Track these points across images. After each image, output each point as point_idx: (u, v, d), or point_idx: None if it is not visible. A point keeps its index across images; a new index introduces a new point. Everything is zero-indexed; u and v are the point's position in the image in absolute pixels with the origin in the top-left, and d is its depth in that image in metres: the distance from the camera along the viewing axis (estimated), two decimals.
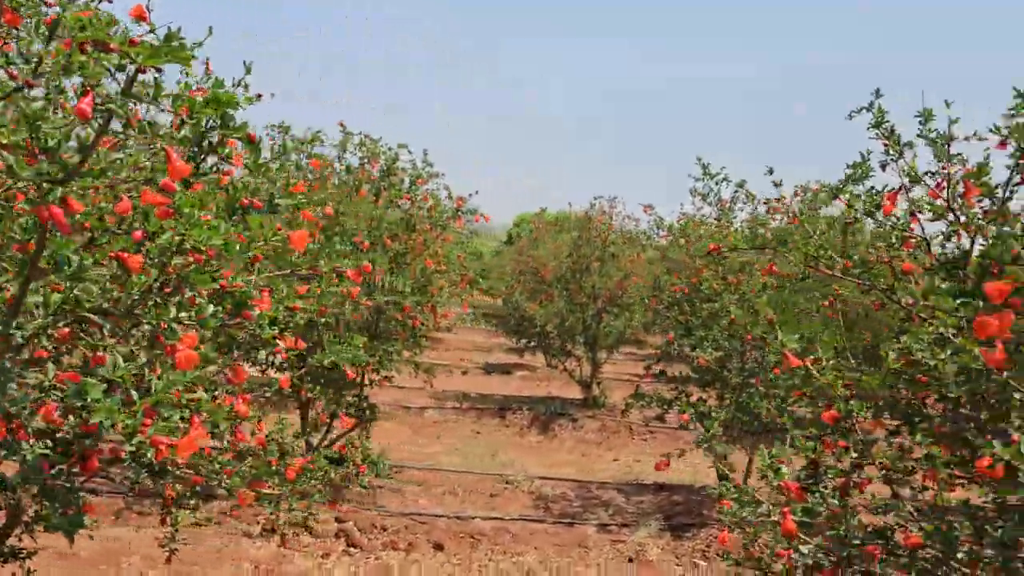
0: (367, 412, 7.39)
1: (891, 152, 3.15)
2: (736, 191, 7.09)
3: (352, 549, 6.18)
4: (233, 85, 2.85)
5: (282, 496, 2.99)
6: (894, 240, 3.22)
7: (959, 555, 2.10)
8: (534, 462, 9.30)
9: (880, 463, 2.28)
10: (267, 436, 3.05)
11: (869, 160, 3.41)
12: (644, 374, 7.47)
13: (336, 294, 3.89)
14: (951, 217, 3.07)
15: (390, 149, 6.89)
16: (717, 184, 7.16)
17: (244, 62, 2.75)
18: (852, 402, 2.32)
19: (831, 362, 2.39)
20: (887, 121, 3.13)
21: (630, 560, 6.37)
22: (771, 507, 2.31)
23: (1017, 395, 2.18)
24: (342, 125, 6.94)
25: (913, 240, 3.25)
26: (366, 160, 6.88)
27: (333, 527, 6.44)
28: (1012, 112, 2.99)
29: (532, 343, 12.39)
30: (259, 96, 2.83)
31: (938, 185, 3.19)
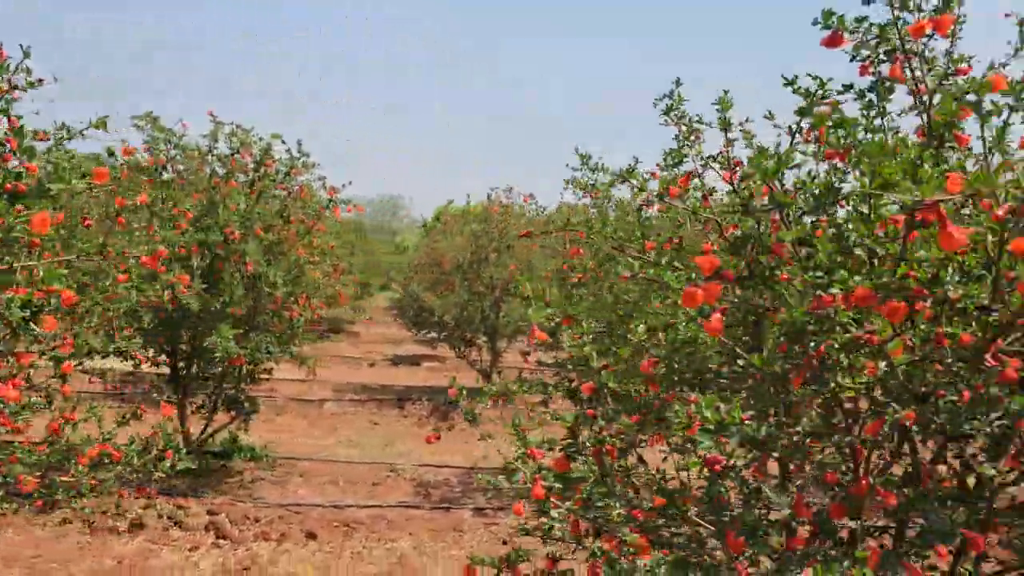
0: (245, 405, 7.35)
1: (683, 138, 3.30)
2: (612, 180, 7.22)
3: (222, 541, 6.15)
4: (14, 71, 2.82)
5: (74, 484, 2.97)
6: (698, 222, 3.38)
7: (688, 513, 2.24)
8: (429, 451, 9.35)
9: (617, 430, 2.42)
10: (69, 425, 3.03)
11: (684, 146, 3.57)
12: (525, 361, 7.60)
13: (163, 283, 3.89)
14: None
15: (261, 139, 6.85)
16: (595, 173, 7.32)
17: (21, 45, 2.72)
18: (604, 373, 2.45)
19: (590, 336, 2.52)
20: (678, 108, 3.27)
21: (504, 542, 6.50)
22: (528, 475, 2.43)
23: (741, 361, 2.34)
24: (212, 115, 6.87)
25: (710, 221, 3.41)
26: (236, 150, 6.82)
27: (204, 520, 6.40)
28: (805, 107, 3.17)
29: (433, 334, 12.45)
30: (41, 81, 2.81)
31: (732, 169, 3.35)
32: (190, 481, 7.24)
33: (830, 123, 2.20)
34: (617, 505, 2.57)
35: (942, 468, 2.72)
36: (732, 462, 2.49)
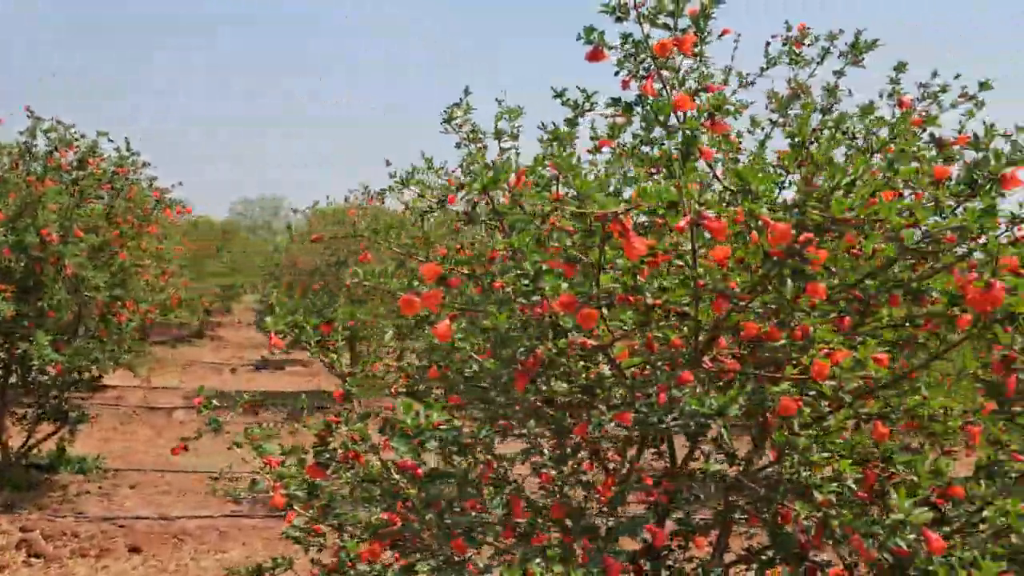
0: (71, 415, 7.00)
1: (464, 145, 3.35)
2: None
3: (35, 560, 5.83)
4: None
5: None
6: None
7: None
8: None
9: (351, 436, 2.44)
10: None
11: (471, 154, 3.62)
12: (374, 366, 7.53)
13: None
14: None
15: (83, 136, 6.54)
16: (438, 177, 7.35)
17: None
18: (348, 380, 2.47)
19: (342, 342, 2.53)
20: (458, 116, 3.32)
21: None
22: (269, 483, 2.41)
23: (476, 366, 2.40)
24: (29, 110, 6.51)
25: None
26: (55, 148, 6.49)
27: (16, 537, 6.05)
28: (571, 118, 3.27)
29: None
30: None
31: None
32: (6, 496, 6.84)
33: (549, 136, 2.29)
34: (378, 510, 2.59)
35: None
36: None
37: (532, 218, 2.11)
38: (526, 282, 2.02)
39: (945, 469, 2.53)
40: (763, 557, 2.61)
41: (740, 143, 3.58)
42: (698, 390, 2.12)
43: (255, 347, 17.81)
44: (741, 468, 2.92)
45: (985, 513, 2.32)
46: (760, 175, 1.89)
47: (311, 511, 2.48)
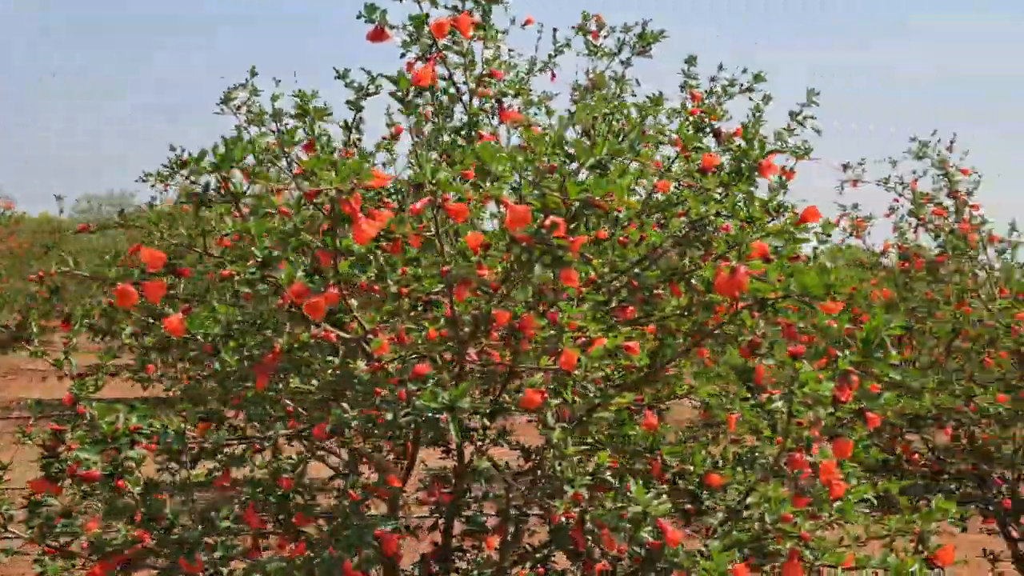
0: None
1: (245, 129, 3.14)
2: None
3: None
4: None
5: None
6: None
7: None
8: None
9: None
10: None
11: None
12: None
13: None
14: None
15: None
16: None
17: None
18: (78, 382, 2.23)
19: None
20: (237, 98, 3.11)
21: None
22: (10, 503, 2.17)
23: (217, 364, 2.20)
24: None
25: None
26: None
27: None
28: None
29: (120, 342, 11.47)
30: None
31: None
32: None
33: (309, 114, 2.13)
34: (123, 529, 2.35)
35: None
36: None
37: (263, 200, 1.94)
38: (252, 270, 1.84)
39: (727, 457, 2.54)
40: (538, 555, 2.54)
41: (544, 132, 3.52)
42: (452, 383, 2.02)
43: (91, 352, 16.69)
44: (535, 463, 2.85)
45: (750, 500, 2.33)
46: (499, 156, 1.79)
47: (28, 532, 2.21)
